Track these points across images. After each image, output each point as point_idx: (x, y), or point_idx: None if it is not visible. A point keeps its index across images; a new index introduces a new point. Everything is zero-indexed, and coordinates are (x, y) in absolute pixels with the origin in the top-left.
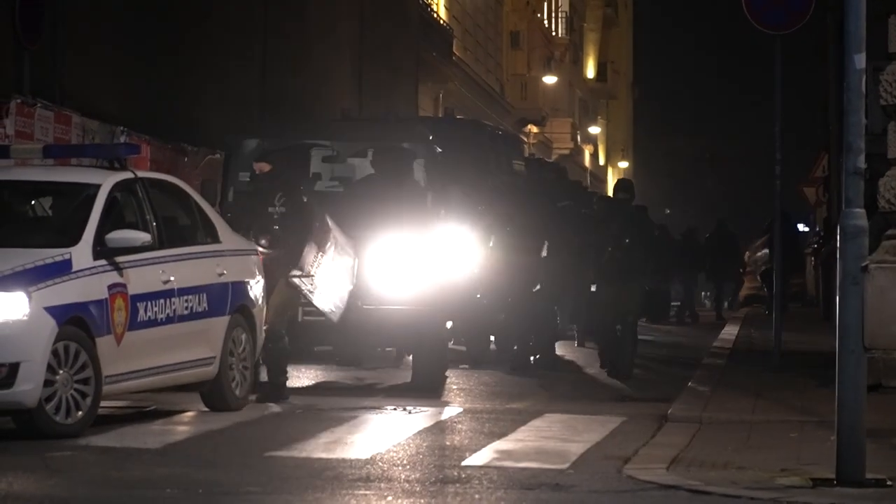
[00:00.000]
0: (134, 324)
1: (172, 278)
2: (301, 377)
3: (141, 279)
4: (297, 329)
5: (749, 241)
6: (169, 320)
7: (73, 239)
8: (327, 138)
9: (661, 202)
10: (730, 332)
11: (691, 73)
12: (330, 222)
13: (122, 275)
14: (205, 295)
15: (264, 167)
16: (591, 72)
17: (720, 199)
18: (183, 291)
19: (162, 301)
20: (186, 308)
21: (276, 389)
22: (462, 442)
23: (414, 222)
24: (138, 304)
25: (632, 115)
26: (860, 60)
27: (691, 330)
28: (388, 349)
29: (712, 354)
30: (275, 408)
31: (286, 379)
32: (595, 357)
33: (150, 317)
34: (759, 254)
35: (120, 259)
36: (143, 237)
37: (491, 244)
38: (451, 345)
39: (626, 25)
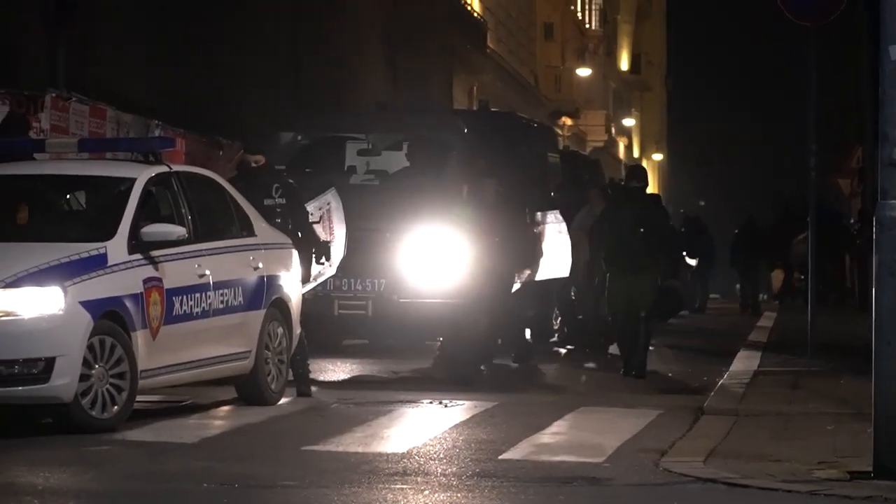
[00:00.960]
0: (170, 318)
1: (208, 272)
2: (336, 371)
3: (176, 273)
4: (332, 322)
5: (788, 232)
6: (205, 314)
7: (109, 233)
8: (361, 130)
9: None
10: (765, 322)
11: (725, 64)
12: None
13: (157, 269)
14: (240, 288)
15: (260, 159)
16: (624, 64)
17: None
18: (218, 285)
19: (197, 295)
20: (222, 302)
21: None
22: (498, 435)
23: (449, 215)
24: (174, 298)
25: (666, 107)
26: (895, 52)
27: (728, 320)
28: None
29: (748, 345)
30: (310, 402)
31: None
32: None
33: (185, 311)
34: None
35: (155, 253)
36: (178, 231)
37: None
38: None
39: (660, 17)
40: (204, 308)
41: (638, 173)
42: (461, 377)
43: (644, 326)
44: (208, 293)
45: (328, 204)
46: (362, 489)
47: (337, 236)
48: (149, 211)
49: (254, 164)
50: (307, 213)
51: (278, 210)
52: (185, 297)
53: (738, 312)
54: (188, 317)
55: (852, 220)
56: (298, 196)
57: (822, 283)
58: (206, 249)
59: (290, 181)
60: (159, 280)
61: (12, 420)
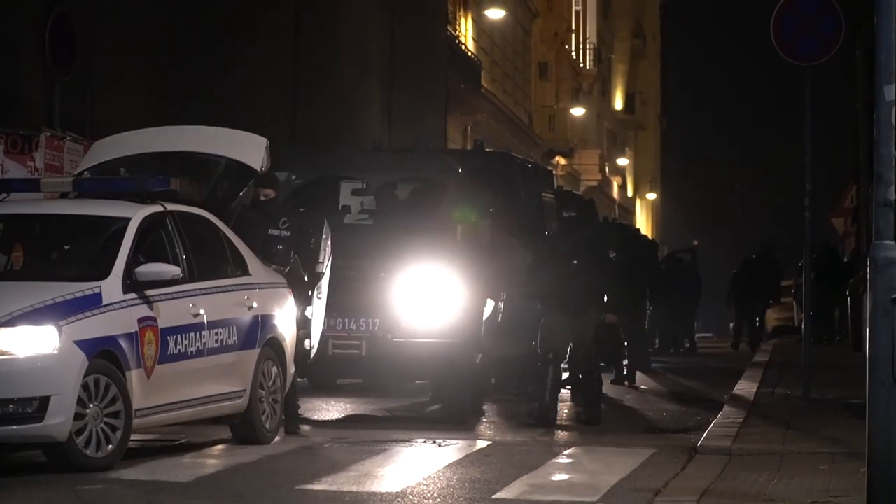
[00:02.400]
0: (164, 357)
1: (202, 311)
2: (331, 409)
3: (171, 312)
4: (326, 361)
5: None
6: (199, 353)
7: (103, 272)
8: (357, 170)
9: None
10: (760, 360)
11: (719, 104)
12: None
13: (152, 308)
14: (235, 328)
15: (269, 193)
16: (619, 103)
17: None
18: (213, 325)
19: (192, 334)
20: (217, 341)
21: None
22: (492, 475)
23: (444, 254)
24: (169, 338)
25: (660, 147)
26: (890, 92)
27: (722, 358)
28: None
29: (742, 384)
30: (305, 441)
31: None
32: (628, 388)
33: (180, 350)
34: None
35: (150, 292)
36: (173, 271)
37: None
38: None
39: (654, 57)
40: (199, 347)
41: (571, 200)
42: (457, 416)
43: (591, 369)
44: (203, 332)
45: (323, 238)
46: None
47: (326, 270)
48: (144, 251)
49: (262, 198)
50: (313, 251)
51: (282, 238)
52: (179, 336)
53: (731, 349)
54: (183, 356)
55: (845, 259)
56: (305, 233)
57: (824, 322)
58: (200, 289)
59: (300, 220)
60: (154, 319)
61: (7, 459)
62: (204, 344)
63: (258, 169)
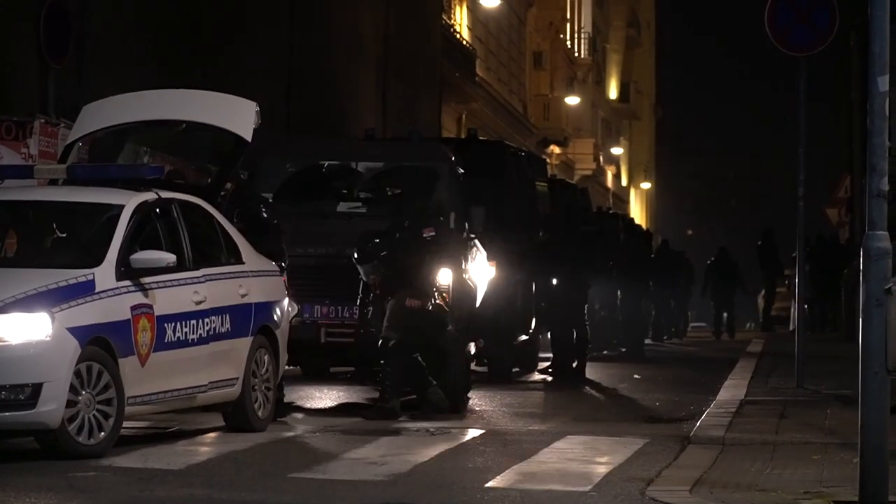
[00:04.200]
0: (161, 345)
1: (197, 299)
2: (323, 398)
3: (165, 300)
4: (319, 349)
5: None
6: (193, 342)
7: (97, 260)
8: (350, 158)
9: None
10: (754, 350)
11: (714, 93)
12: None
13: (147, 295)
14: (228, 316)
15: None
16: (613, 92)
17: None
18: (207, 312)
19: (187, 322)
20: (211, 329)
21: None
22: (485, 464)
23: (436, 242)
24: (165, 326)
25: (654, 136)
26: (884, 83)
27: (715, 347)
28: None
29: (735, 374)
30: (297, 429)
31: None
32: (622, 377)
33: (175, 338)
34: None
35: (145, 280)
36: (168, 258)
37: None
38: (473, 365)
39: (649, 46)
40: (193, 335)
41: (565, 189)
42: (452, 405)
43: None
44: (197, 320)
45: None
46: None
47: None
48: (138, 238)
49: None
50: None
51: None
52: (175, 324)
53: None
54: (177, 344)
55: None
56: (268, 223)
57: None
58: (194, 277)
59: (257, 209)
60: (149, 307)
61: None
62: (198, 332)
63: (249, 140)
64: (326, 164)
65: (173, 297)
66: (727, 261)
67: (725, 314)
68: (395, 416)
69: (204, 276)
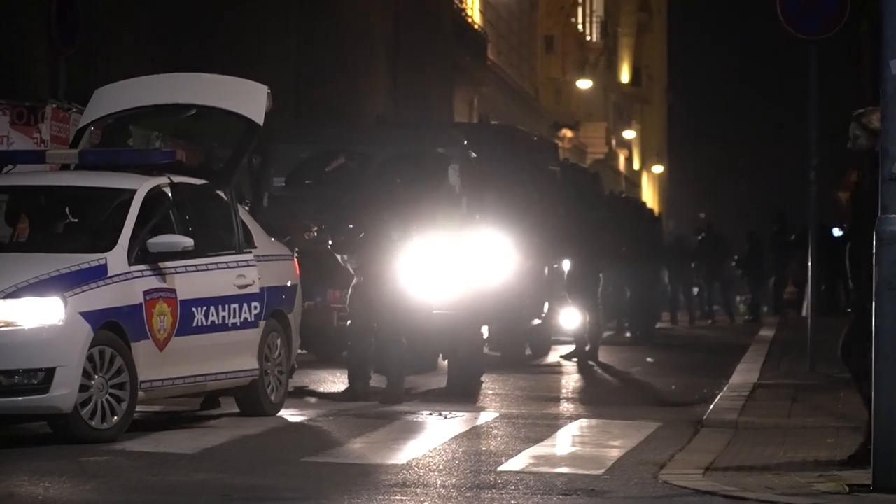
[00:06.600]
0: (181, 329)
1: (210, 283)
2: (336, 382)
3: (185, 285)
4: (331, 334)
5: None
6: (211, 328)
7: (109, 244)
8: (362, 143)
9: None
10: (766, 334)
11: (726, 78)
12: None
13: (163, 280)
14: (243, 301)
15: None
16: (625, 76)
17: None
18: (225, 299)
19: (204, 307)
20: (226, 314)
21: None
22: (498, 447)
23: (449, 226)
24: (186, 311)
25: (666, 120)
26: (895, 66)
27: (727, 332)
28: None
29: (748, 358)
30: (310, 413)
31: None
32: (635, 361)
33: (199, 323)
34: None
35: (158, 264)
36: (185, 242)
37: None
38: (486, 350)
39: (661, 30)
40: (214, 321)
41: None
42: (464, 388)
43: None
44: (214, 306)
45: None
46: (361, 500)
47: None
48: (151, 222)
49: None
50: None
51: None
52: (193, 309)
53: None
54: (197, 329)
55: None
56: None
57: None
58: (207, 261)
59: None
60: (164, 291)
61: (12, 431)
62: (215, 317)
63: (261, 124)
64: (337, 150)
65: (185, 282)
66: (717, 243)
67: (741, 297)
68: (360, 399)
69: (215, 260)
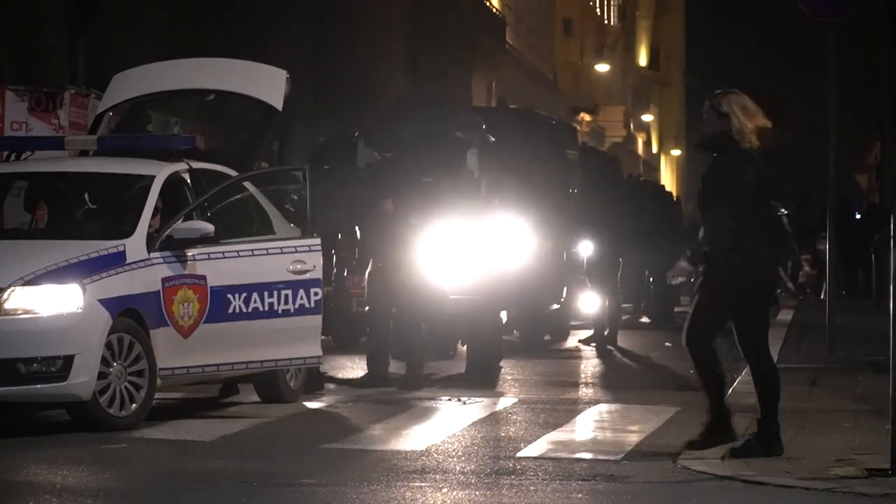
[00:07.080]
0: (210, 316)
1: (229, 270)
2: (354, 368)
3: (211, 271)
4: (350, 320)
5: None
6: (249, 315)
7: (128, 231)
8: (381, 126)
9: None
10: (784, 318)
11: (744, 59)
12: None
13: (185, 266)
14: (297, 286)
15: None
16: (643, 59)
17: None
18: (268, 284)
19: (244, 294)
20: (271, 300)
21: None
22: (517, 433)
23: (468, 211)
24: (211, 298)
25: (685, 102)
26: None
27: None
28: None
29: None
30: (329, 400)
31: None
32: (653, 345)
33: (231, 310)
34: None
35: (178, 251)
36: (206, 228)
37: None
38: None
39: (678, 12)
40: (253, 308)
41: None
42: (483, 373)
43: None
44: (259, 293)
45: None
46: (381, 487)
47: None
48: (169, 208)
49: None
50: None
51: None
52: (231, 296)
53: None
54: (235, 316)
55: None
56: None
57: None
58: (226, 248)
59: None
60: (192, 277)
61: (31, 418)
62: (263, 304)
63: (280, 109)
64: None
65: (230, 268)
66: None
67: None
68: (379, 385)
69: (235, 246)
